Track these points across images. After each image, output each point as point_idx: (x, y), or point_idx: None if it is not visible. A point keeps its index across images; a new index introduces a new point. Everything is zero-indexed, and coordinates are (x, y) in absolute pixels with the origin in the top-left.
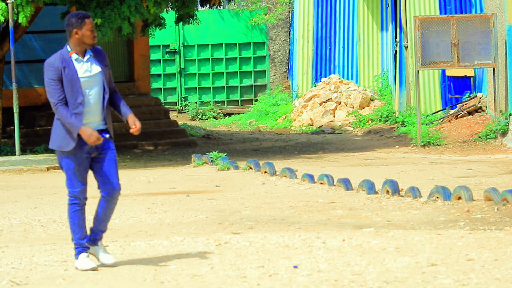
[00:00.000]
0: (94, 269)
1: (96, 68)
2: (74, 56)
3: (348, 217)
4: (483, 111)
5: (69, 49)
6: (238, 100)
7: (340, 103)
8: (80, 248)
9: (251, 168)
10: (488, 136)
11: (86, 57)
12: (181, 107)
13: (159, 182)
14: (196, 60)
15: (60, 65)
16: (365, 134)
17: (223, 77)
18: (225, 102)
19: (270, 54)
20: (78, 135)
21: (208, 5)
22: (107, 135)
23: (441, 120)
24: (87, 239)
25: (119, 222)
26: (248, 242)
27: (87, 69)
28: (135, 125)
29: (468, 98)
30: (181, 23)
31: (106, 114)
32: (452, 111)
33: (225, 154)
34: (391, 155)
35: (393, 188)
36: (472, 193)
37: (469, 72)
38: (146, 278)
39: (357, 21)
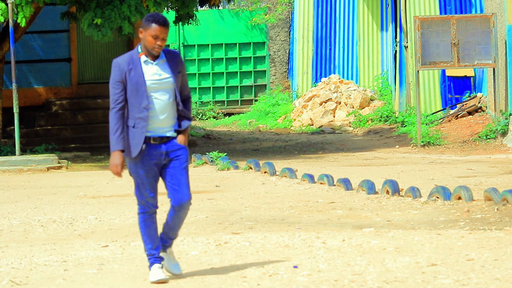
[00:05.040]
0: (163, 281)
1: (166, 73)
2: (143, 58)
3: (348, 217)
4: (483, 111)
5: (139, 50)
6: (238, 100)
7: (340, 103)
8: (153, 259)
9: (251, 168)
10: (488, 136)
11: (156, 61)
12: None
13: (159, 182)
14: (196, 60)
15: (126, 67)
16: (365, 134)
17: (223, 77)
18: (225, 102)
19: (270, 54)
20: (145, 143)
21: (207, 5)
22: (176, 141)
23: (441, 120)
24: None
25: (119, 222)
26: (248, 242)
27: (156, 73)
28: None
29: (468, 98)
30: (181, 23)
31: (180, 120)
32: (452, 111)
33: (225, 154)
34: (391, 155)
35: (393, 188)
36: (472, 193)
37: (469, 72)
38: (146, 278)
39: (357, 21)
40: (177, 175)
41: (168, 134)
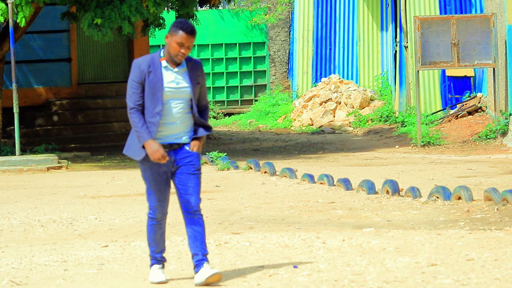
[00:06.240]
0: (163, 282)
1: (185, 82)
2: (164, 63)
3: (348, 217)
4: (483, 111)
5: (162, 54)
6: (238, 100)
7: (340, 103)
8: (154, 261)
9: (251, 168)
10: (488, 136)
11: (177, 68)
12: None
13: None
14: None
15: (146, 68)
16: (365, 134)
17: (223, 77)
18: (225, 102)
19: (270, 54)
20: None
21: (208, 5)
22: (188, 147)
23: (441, 120)
24: (199, 258)
25: (119, 222)
26: (248, 242)
27: (174, 80)
28: (192, 150)
29: (468, 98)
30: None
31: (196, 128)
32: (452, 111)
33: (225, 154)
34: (391, 155)
35: (393, 188)
36: (472, 193)
37: (469, 72)
38: (146, 278)
39: (357, 21)
40: (184, 181)
41: (179, 141)
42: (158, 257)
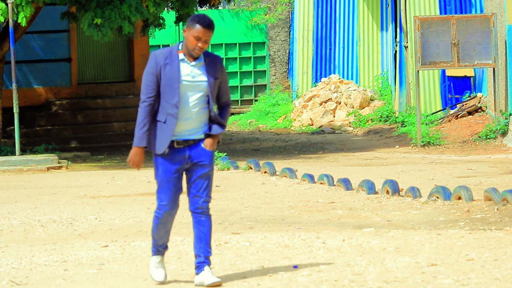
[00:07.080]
0: (161, 283)
1: (202, 77)
2: (181, 56)
3: (348, 217)
4: (483, 111)
5: (180, 47)
6: (238, 100)
7: (340, 103)
8: (154, 249)
9: (251, 168)
10: (488, 136)
11: (194, 62)
12: None
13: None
14: None
15: (162, 61)
16: (365, 134)
17: None
18: None
19: (270, 54)
20: (169, 147)
21: (207, 5)
22: (203, 144)
23: (441, 120)
24: (201, 261)
25: (119, 222)
26: (248, 242)
27: (190, 74)
28: (206, 148)
29: (468, 98)
30: (181, 23)
31: (210, 125)
32: (452, 111)
33: (225, 154)
34: (391, 155)
35: (393, 188)
36: (472, 193)
37: (469, 72)
38: (146, 278)
39: (357, 21)
40: (196, 181)
41: (195, 137)
42: (160, 248)
